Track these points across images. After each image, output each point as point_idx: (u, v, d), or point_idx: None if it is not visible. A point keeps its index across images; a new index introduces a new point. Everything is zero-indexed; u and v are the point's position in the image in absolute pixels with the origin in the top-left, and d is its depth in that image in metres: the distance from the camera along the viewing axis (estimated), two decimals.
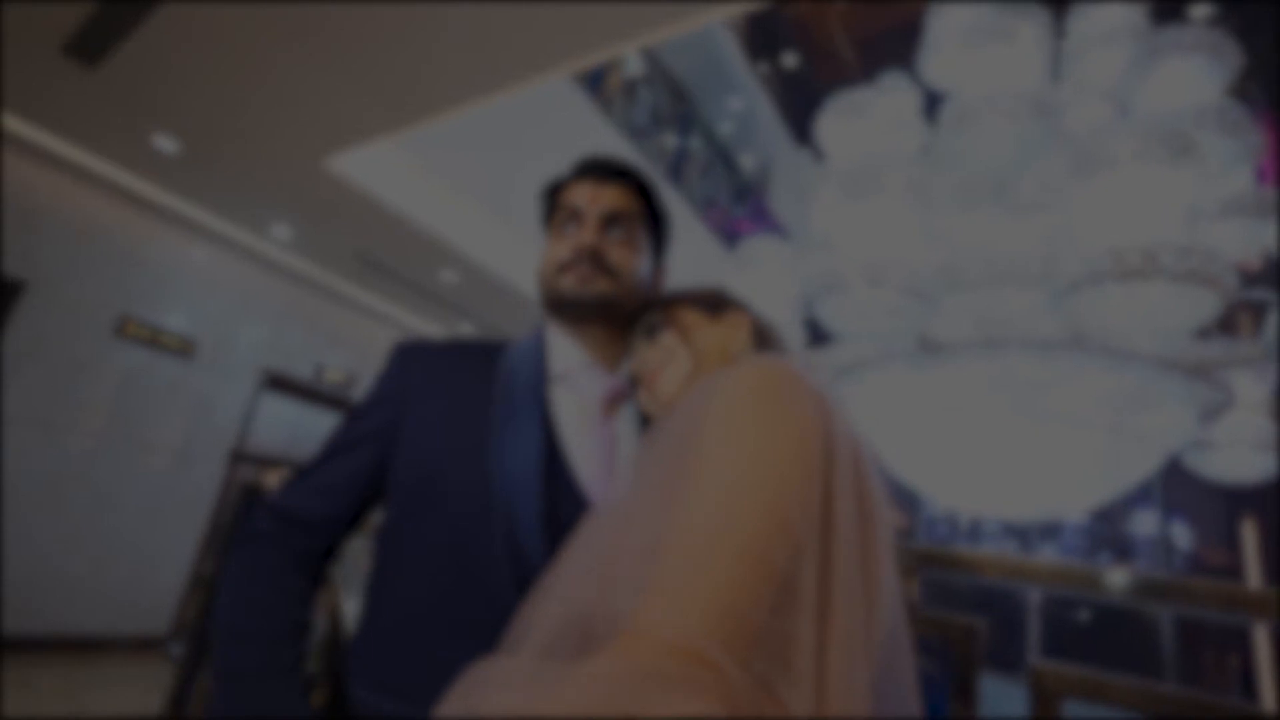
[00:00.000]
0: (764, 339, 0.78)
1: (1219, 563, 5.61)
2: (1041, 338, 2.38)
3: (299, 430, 5.16)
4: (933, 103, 3.10)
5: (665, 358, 0.75)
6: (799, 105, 7.73)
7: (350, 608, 1.54)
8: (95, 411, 4.05)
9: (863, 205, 2.79)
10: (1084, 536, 6.20)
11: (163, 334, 4.34)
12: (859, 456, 0.57)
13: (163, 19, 2.48)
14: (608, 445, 0.78)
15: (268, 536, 0.78)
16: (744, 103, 7.44)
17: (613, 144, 4.78)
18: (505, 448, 0.74)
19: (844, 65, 7.12)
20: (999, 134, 2.54)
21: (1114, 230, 2.12)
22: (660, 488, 0.54)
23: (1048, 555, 6.11)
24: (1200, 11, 5.08)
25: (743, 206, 7.32)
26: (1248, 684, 5.06)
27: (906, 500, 6.09)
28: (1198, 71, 2.60)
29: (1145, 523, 6.04)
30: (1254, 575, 5.28)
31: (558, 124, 4.30)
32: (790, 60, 7.59)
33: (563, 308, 0.81)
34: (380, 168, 3.65)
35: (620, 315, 0.82)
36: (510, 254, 4.49)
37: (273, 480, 2.03)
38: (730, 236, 6.53)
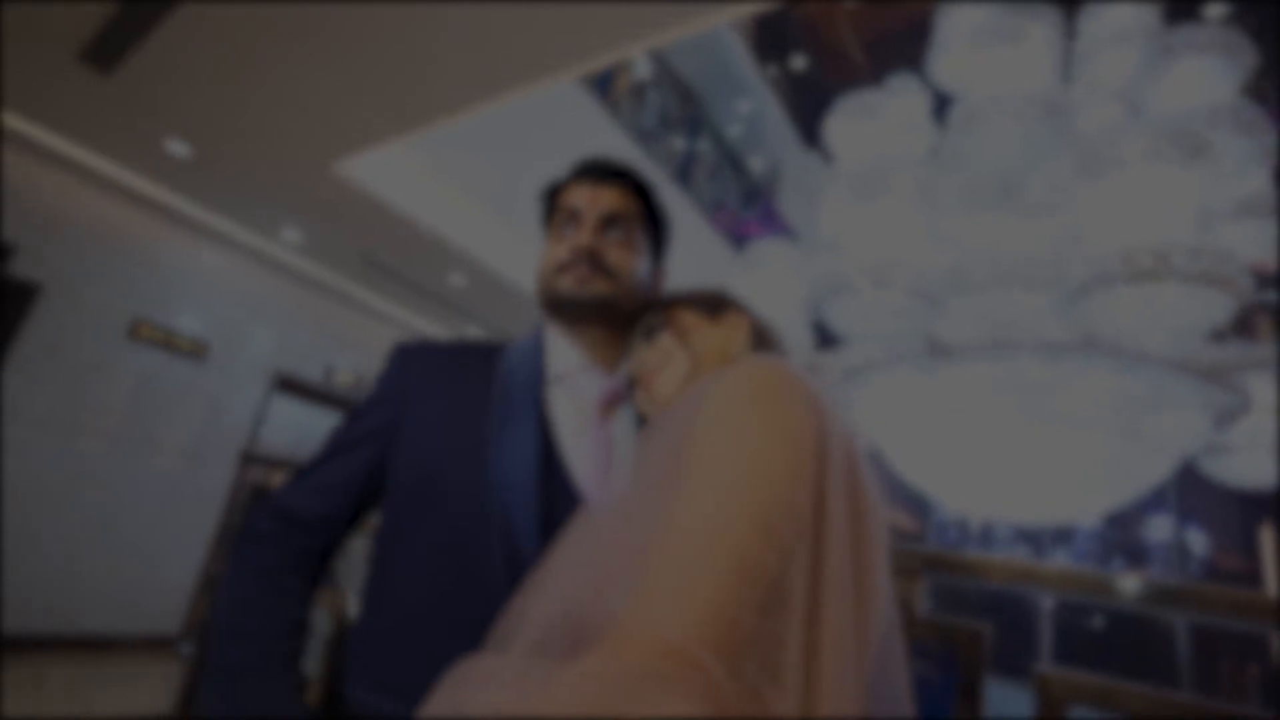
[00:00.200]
0: (763, 340, 0.78)
1: (1236, 569, 5.52)
2: (1052, 340, 2.36)
3: (308, 432, 5.20)
4: (942, 104, 3.09)
5: (663, 359, 0.75)
6: (808, 107, 7.71)
7: (355, 608, 1.55)
8: (109, 413, 4.10)
9: (871, 207, 2.78)
10: (1097, 542, 6.12)
11: (176, 336, 4.39)
12: (853, 457, 0.56)
13: (174, 26, 2.51)
14: (605, 446, 0.78)
15: (267, 536, 0.79)
16: (753, 105, 7.43)
17: (621, 147, 4.79)
18: (502, 449, 0.75)
19: (853, 67, 7.10)
20: (1008, 135, 2.52)
21: (1125, 231, 2.10)
22: (654, 488, 0.54)
23: (1060, 561, 6.04)
24: (1215, 11, 5.02)
25: (751, 209, 7.31)
26: (1268, 694, 4.97)
27: (916, 504, 6.05)
28: (1211, 71, 2.57)
29: (1160, 528, 5.95)
30: (1272, 582, 5.19)
31: (566, 127, 4.31)
32: (799, 62, 7.57)
33: (561, 308, 0.81)
34: (388, 171, 3.68)
35: (619, 316, 0.82)
36: (518, 257, 4.50)
37: (279, 482, 2.04)
38: (739, 239, 6.52)
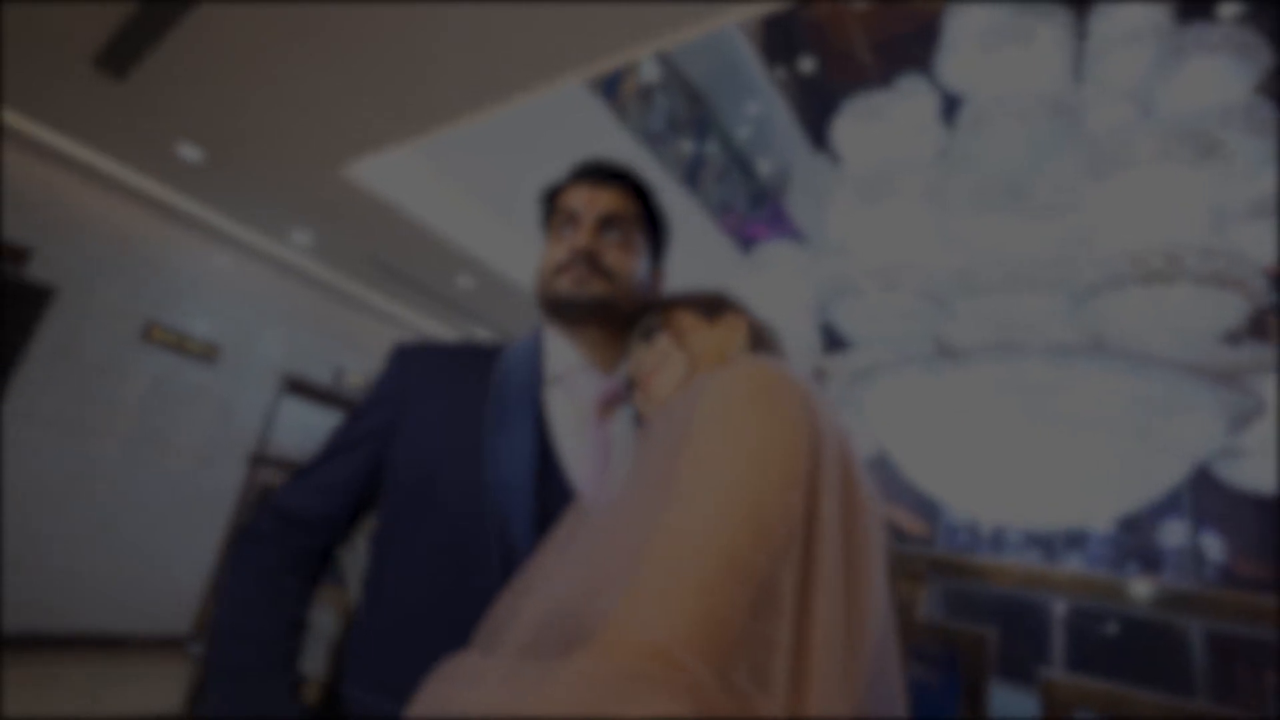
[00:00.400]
0: (762, 341, 0.77)
1: (1254, 575, 5.43)
2: (1061, 343, 2.34)
3: (317, 433, 5.23)
4: (951, 106, 3.07)
5: (660, 360, 0.75)
6: (816, 109, 7.69)
7: None
8: (121, 414, 4.14)
9: (879, 209, 2.76)
10: (1110, 547, 6.05)
11: (188, 339, 4.44)
12: (848, 457, 0.56)
13: (185, 33, 2.54)
14: (602, 447, 0.78)
15: (267, 536, 0.79)
16: (761, 107, 7.42)
17: (628, 149, 4.80)
18: (499, 449, 0.75)
19: (861, 68, 7.07)
20: (1017, 136, 2.50)
21: (1135, 232, 2.07)
22: (647, 488, 0.54)
23: (1073, 565, 5.97)
24: (1229, 10, 4.96)
25: (759, 211, 7.29)
26: None
27: (926, 507, 6.00)
28: (1224, 70, 2.54)
29: (1175, 533, 5.87)
30: None
31: (573, 130, 4.32)
32: (807, 64, 7.55)
33: (559, 309, 0.81)
34: (397, 174, 3.70)
35: (617, 317, 0.82)
36: (525, 259, 4.52)
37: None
38: (746, 242, 6.51)
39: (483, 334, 5.78)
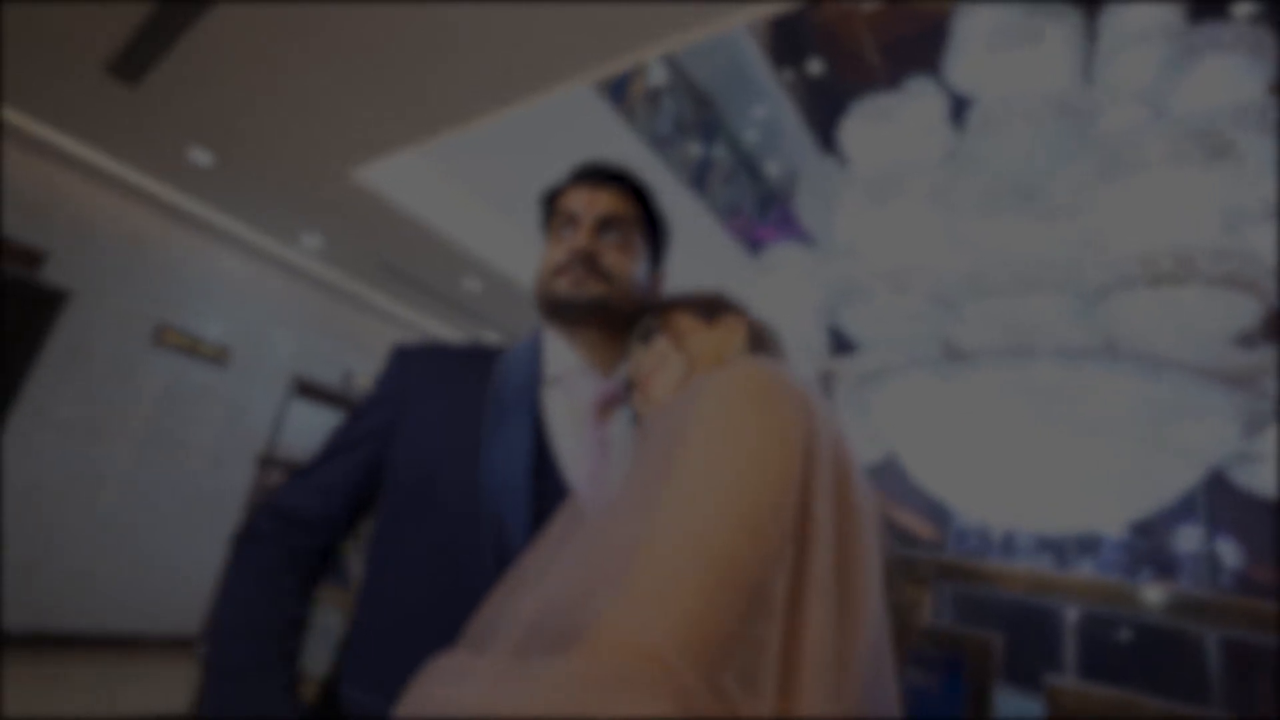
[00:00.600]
0: (762, 343, 0.77)
1: (1271, 582, 5.35)
2: (1072, 345, 2.31)
3: (325, 436, 5.26)
4: (960, 107, 3.05)
5: (659, 362, 0.75)
6: (825, 112, 7.67)
7: None
8: (134, 416, 4.19)
9: (887, 211, 2.75)
10: (1124, 552, 5.98)
11: (200, 342, 4.48)
12: (843, 460, 0.55)
13: (196, 40, 2.57)
14: (600, 448, 0.78)
15: (267, 536, 0.80)
16: (768, 110, 7.41)
17: (636, 153, 4.80)
18: (495, 450, 0.75)
19: (869, 70, 7.05)
20: (1026, 137, 2.48)
21: (1146, 234, 2.05)
22: (642, 489, 0.54)
23: (1085, 571, 5.91)
24: (1242, 10, 4.91)
25: (767, 214, 7.28)
26: None
27: (936, 512, 5.95)
28: (1237, 70, 2.51)
29: (1189, 539, 5.80)
30: None
31: (581, 133, 4.34)
32: (815, 66, 7.54)
33: (557, 310, 0.81)
34: (405, 178, 3.73)
35: (615, 318, 0.82)
36: (532, 262, 4.52)
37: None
38: (754, 244, 6.49)
39: (490, 336, 5.80)
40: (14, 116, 3.43)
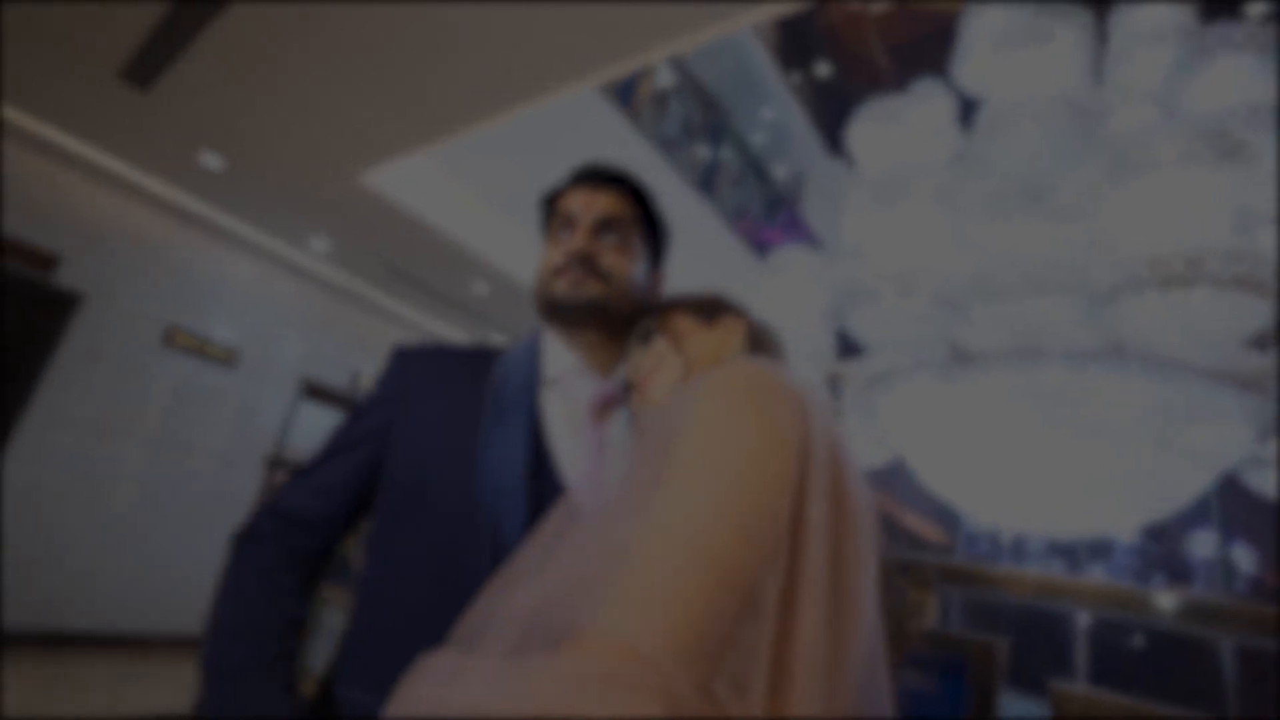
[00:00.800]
0: (761, 343, 0.77)
1: None
2: (1080, 348, 2.29)
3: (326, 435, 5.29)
4: (968, 109, 3.04)
5: (657, 363, 0.75)
6: (832, 114, 7.65)
7: None
8: (144, 417, 4.23)
9: (894, 213, 2.74)
10: (1136, 557, 5.91)
11: (209, 344, 4.52)
12: (839, 461, 0.55)
13: (206, 44, 2.60)
14: (598, 449, 0.78)
15: (268, 536, 0.80)
16: (776, 113, 7.40)
17: (643, 155, 4.81)
18: (493, 451, 0.75)
19: (877, 72, 7.03)
20: (1034, 138, 2.47)
21: (1156, 235, 2.03)
22: (637, 490, 0.54)
23: (1097, 576, 5.84)
24: (1256, 9, 4.85)
25: (775, 217, 7.26)
26: None
27: (945, 515, 5.91)
28: (1250, 69, 2.48)
29: (1204, 544, 5.72)
30: None
31: (588, 137, 4.35)
32: (823, 69, 7.52)
33: (555, 311, 0.81)
34: (413, 181, 3.75)
35: (613, 319, 0.82)
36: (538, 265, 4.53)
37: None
38: (761, 247, 6.48)
39: (497, 339, 5.81)
40: (27, 121, 3.48)
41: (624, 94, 4.89)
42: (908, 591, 1.08)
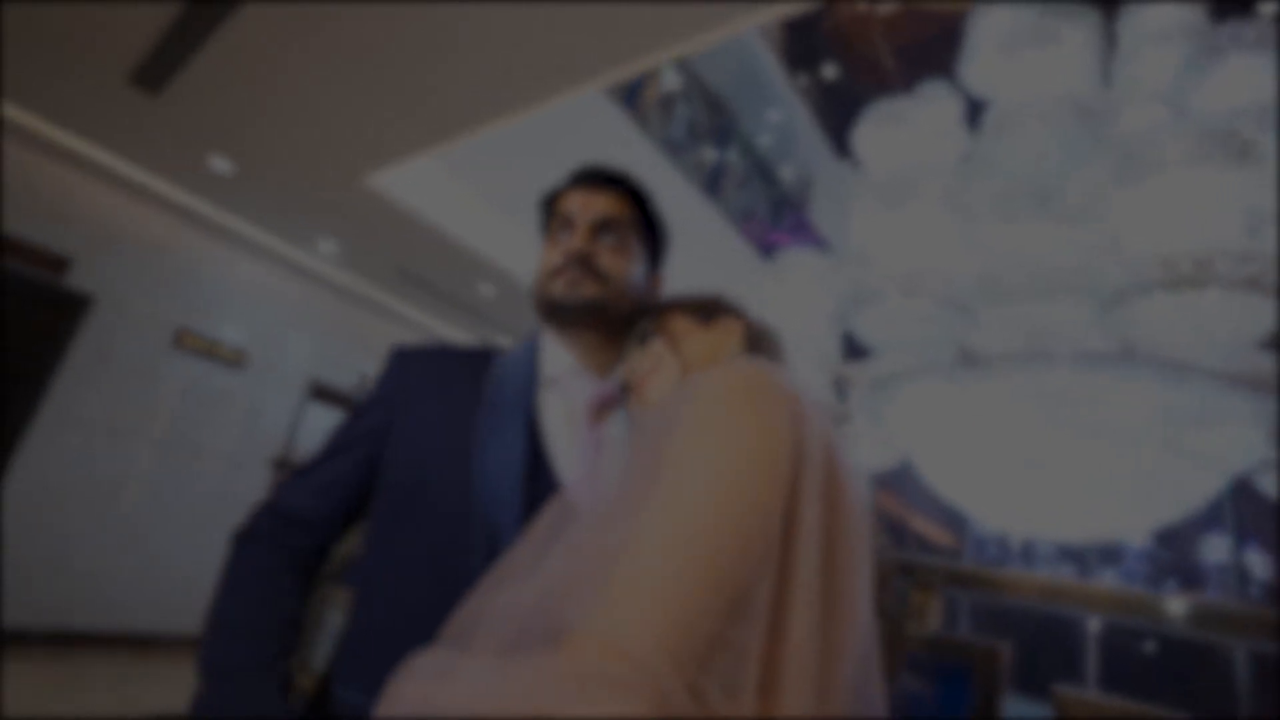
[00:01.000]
0: (760, 344, 0.76)
1: None
2: (1088, 350, 2.27)
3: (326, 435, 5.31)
4: (975, 110, 3.02)
5: (654, 364, 0.75)
6: (839, 116, 7.63)
7: None
8: (154, 419, 4.26)
9: (901, 214, 2.73)
10: (1147, 562, 5.85)
11: (218, 346, 4.56)
12: (834, 464, 0.55)
13: (215, 49, 2.62)
14: (595, 450, 0.77)
15: (266, 535, 0.80)
16: (782, 115, 7.39)
17: (649, 158, 4.81)
18: (489, 451, 0.75)
19: (884, 74, 7.01)
20: (1042, 139, 2.45)
21: (1166, 236, 2.01)
22: (631, 490, 0.54)
23: (1107, 581, 5.78)
24: (1269, 8, 4.80)
25: (781, 219, 7.25)
26: None
27: (953, 519, 5.87)
28: (1261, 69, 2.45)
29: (1216, 549, 5.66)
30: None
31: (594, 139, 4.36)
32: (829, 71, 7.50)
33: (553, 312, 0.81)
34: (420, 184, 3.76)
35: (611, 320, 0.82)
36: None
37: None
38: (768, 249, 6.47)
39: (503, 341, 5.81)
40: (38, 124, 3.52)
41: (630, 96, 4.90)
42: (909, 593, 1.07)
